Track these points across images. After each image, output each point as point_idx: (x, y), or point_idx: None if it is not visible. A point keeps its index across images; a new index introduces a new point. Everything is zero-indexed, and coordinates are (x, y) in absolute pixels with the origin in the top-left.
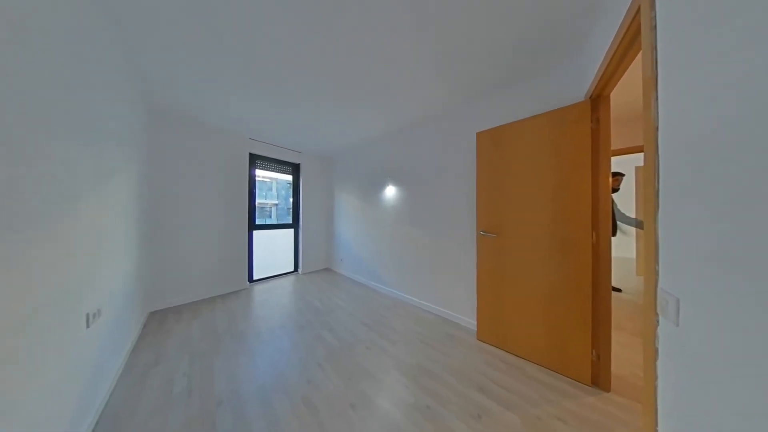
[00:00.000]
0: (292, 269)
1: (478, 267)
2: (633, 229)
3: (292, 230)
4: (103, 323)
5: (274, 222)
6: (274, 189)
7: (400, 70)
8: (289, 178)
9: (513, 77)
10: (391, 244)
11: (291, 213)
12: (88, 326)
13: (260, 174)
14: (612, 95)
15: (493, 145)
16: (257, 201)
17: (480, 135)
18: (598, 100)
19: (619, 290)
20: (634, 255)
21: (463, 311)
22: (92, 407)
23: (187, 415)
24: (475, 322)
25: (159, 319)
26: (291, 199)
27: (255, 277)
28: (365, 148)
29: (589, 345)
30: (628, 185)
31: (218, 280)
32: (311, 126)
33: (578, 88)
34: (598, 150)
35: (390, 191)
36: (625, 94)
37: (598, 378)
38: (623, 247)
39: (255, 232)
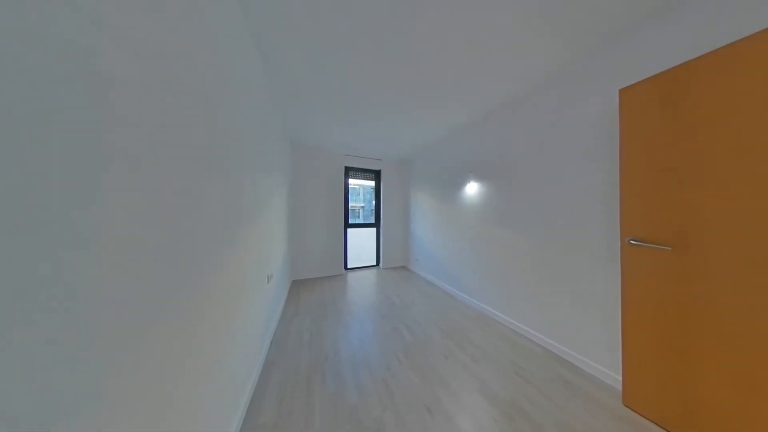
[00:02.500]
0: (374, 263)
1: (625, 293)
2: None
3: (374, 229)
4: (273, 283)
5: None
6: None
7: (490, 37)
8: (372, 183)
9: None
10: (473, 247)
11: (374, 214)
12: (267, 283)
13: (352, 182)
14: None
15: (661, 102)
16: (350, 204)
17: (628, 92)
18: None
19: None
20: None
21: (587, 350)
22: (269, 334)
23: (309, 358)
24: (618, 376)
25: (296, 286)
26: (374, 202)
27: (348, 266)
28: (441, 146)
29: None
30: None
31: (325, 264)
32: (391, 135)
33: None
34: None
35: (471, 188)
36: None
37: None
38: None
39: (348, 230)
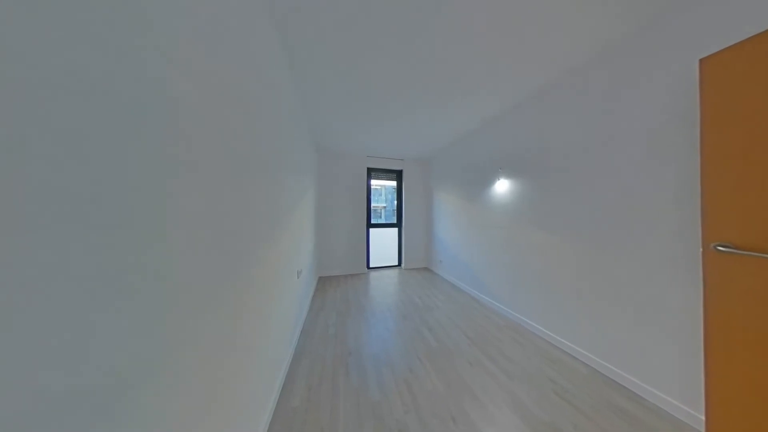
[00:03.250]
0: (396, 264)
1: (710, 312)
2: None
3: (396, 229)
4: (302, 278)
5: (384, 222)
6: (383, 194)
7: (528, 16)
8: (394, 183)
9: None
10: (504, 250)
11: (395, 214)
12: (297, 278)
13: (374, 183)
14: None
15: (766, 71)
16: (372, 205)
17: (713, 62)
18: None
19: None
20: None
21: (652, 377)
22: (299, 324)
23: (334, 351)
24: (696, 413)
25: (323, 282)
26: (395, 202)
27: (370, 265)
28: (467, 142)
29: None
30: None
31: (349, 263)
32: (414, 133)
33: None
34: None
35: (502, 186)
36: None
37: None
38: None
39: (371, 230)
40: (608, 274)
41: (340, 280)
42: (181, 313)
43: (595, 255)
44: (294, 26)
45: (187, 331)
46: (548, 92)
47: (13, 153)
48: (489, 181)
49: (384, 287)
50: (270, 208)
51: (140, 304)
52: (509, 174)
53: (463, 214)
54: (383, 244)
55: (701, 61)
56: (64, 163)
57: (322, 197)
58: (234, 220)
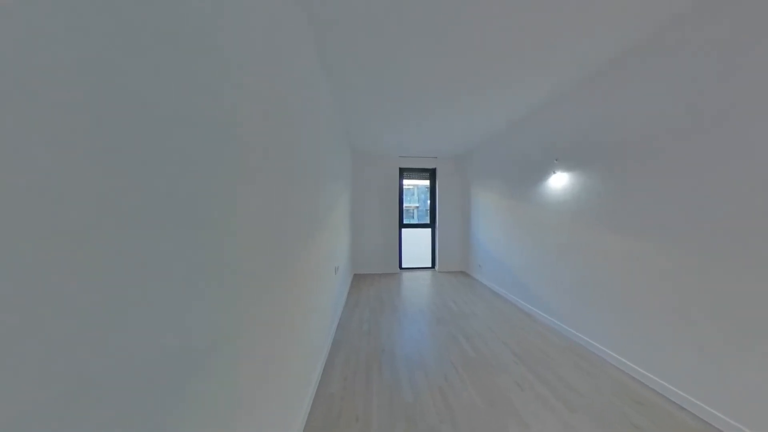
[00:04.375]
0: (429, 265)
1: None
2: None
3: (429, 230)
4: (339, 274)
5: (416, 222)
6: (415, 194)
7: None
8: (427, 182)
9: None
10: (561, 257)
11: (429, 214)
12: (335, 273)
13: (406, 183)
14: None
15: None
16: (404, 205)
17: None
18: None
19: None
20: None
21: None
22: (336, 318)
23: (368, 347)
24: None
25: (358, 279)
26: (428, 202)
27: (403, 266)
28: (512, 132)
29: None
30: None
31: (382, 262)
32: (449, 128)
33: None
34: None
35: (559, 181)
36: None
37: None
38: None
39: (403, 230)
40: (725, 296)
41: (374, 279)
42: (246, 297)
43: (702, 268)
44: (331, 38)
45: (251, 312)
46: (623, 62)
47: (155, 179)
48: (541, 175)
49: (417, 288)
50: (311, 208)
51: (221, 290)
52: (568, 166)
53: (508, 214)
54: (416, 245)
55: None
56: (180, 176)
57: (356, 197)
58: (282, 221)
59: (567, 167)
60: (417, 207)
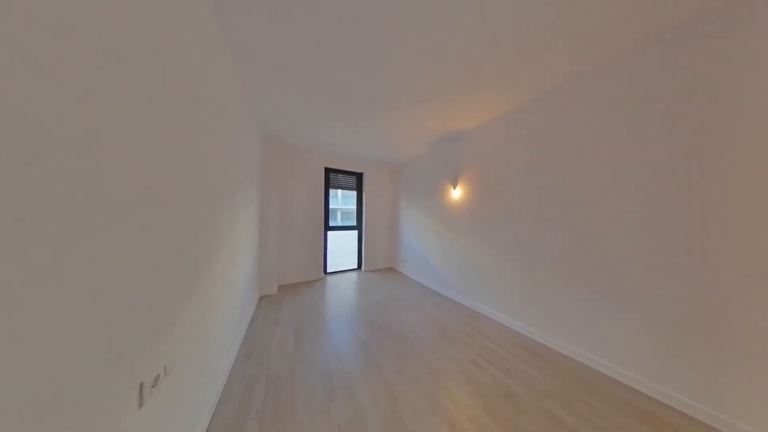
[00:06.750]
0: (356, 267)
1: None
2: None
3: (356, 231)
4: (232, 312)
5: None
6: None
7: None
8: (354, 184)
9: None
10: (454, 250)
11: (356, 216)
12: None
13: (332, 181)
14: None
15: None
16: (330, 206)
17: None
18: None
19: None
20: None
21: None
22: (241, 332)
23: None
24: None
25: (283, 290)
26: (356, 205)
27: (328, 270)
28: (435, 144)
29: None
30: None
31: (305, 269)
32: (380, 136)
33: None
34: None
35: (457, 194)
36: None
37: None
38: None
39: (329, 233)
40: (526, 276)
41: (297, 288)
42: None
43: (512, 260)
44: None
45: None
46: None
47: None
48: (448, 188)
49: (342, 291)
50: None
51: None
52: (462, 185)
53: (429, 220)
54: (342, 248)
55: None
56: None
57: (272, 198)
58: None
59: (460, 186)
60: (342, 209)
